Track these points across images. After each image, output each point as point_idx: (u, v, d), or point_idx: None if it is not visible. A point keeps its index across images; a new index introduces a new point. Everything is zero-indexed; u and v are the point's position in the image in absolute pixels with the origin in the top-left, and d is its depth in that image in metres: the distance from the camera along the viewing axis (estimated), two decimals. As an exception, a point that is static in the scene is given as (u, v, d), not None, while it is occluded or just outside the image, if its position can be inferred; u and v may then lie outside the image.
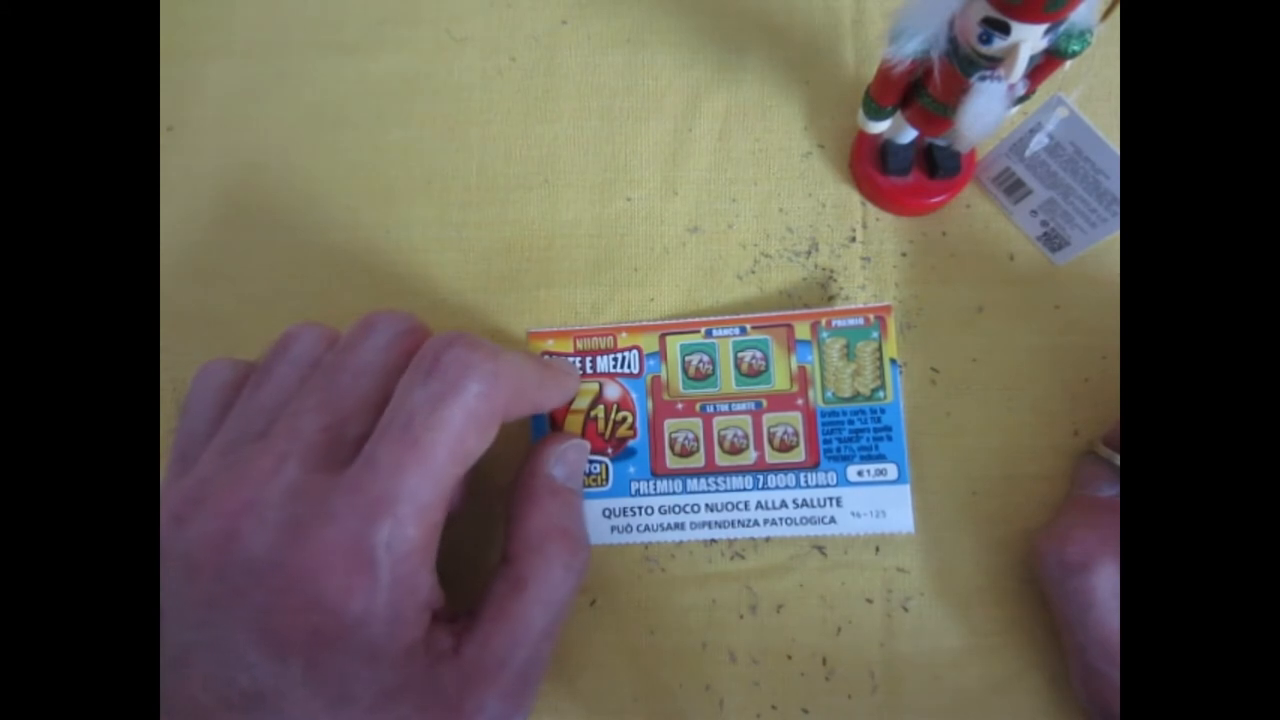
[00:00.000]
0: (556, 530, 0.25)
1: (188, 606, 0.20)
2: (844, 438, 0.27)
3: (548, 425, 0.28)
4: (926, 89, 0.25)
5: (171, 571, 0.21)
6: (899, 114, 0.27)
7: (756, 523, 0.27)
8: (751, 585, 0.28)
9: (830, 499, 0.27)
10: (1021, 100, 0.24)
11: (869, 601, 0.28)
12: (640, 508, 0.27)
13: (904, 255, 0.30)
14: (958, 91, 0.23)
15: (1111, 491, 0.26)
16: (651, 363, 0.28)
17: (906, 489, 0.27)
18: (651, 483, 0.27)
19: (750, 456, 0.27)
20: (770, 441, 0.27)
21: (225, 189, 0.33)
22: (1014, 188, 0.29)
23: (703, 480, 0.27)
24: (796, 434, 0.27)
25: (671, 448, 0.28)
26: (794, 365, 0.28)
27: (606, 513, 0.27)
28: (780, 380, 0.28)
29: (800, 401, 0.27)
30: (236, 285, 0.31)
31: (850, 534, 0.27)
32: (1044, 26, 0.20)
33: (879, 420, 0.27)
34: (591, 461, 0.28)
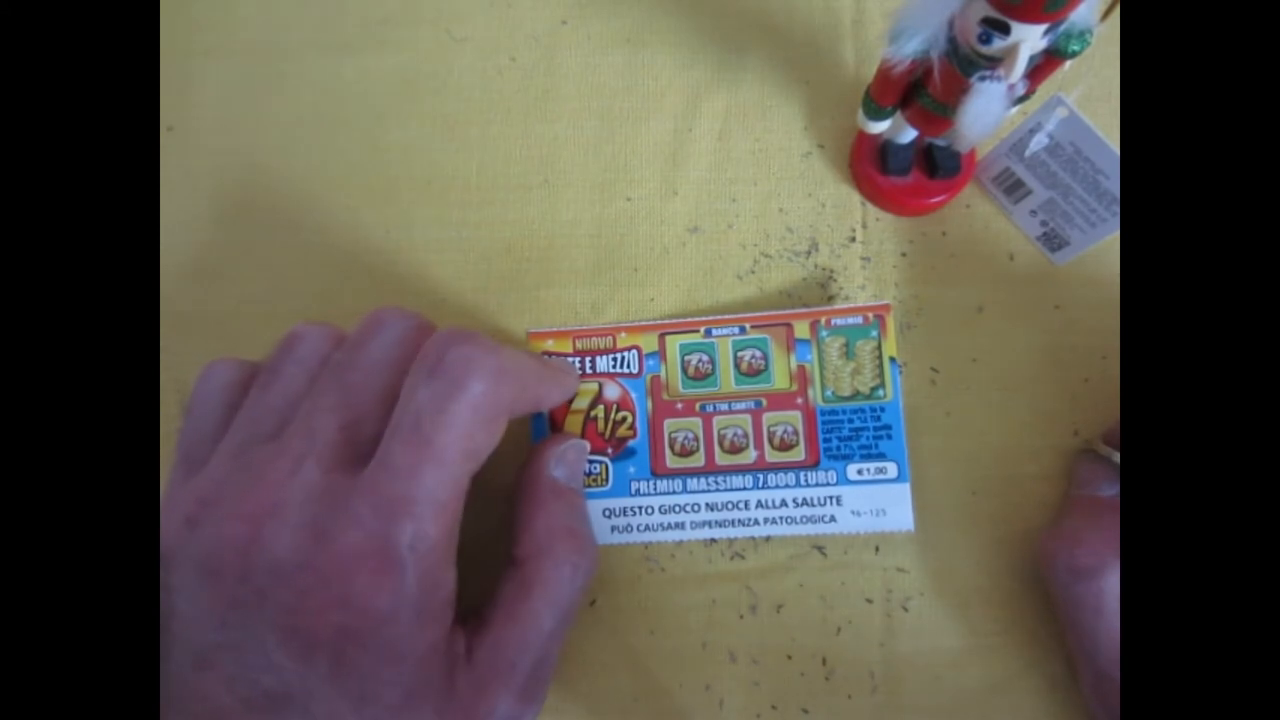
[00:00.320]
0: (563, 531, 0.25)
1: (206, 609, 0.20)
2: (844, 436, 0.27)
3: (547, 426, 0.28)
4: (926, 89, 0.25)
5: (187, 575, 0.21)
6: (899, 114, 0.27)
7: (756, 522, 0.27)
8: (751, 585, 0.28)
9: (830, 498, 0.27)
10: (1021, 100, 0.24)
11: (869, 601, 0.28)
12: (640, 507, 0.27)
13: (904, 255, 0.30)
14: (957, 91, 0.23)
15: (1113, 491, 0.26)
16: (651, 362, 0.28)
17: (906, 487, 0.27)
18: (651, 482, 0.27)
19: (750, 456, 0.27)
20: (770, 441, 0.27)
21: (225, 189, 0.33)
22: (1014, 188, 0.29)
23: (703, 480, 0.27)
24: (796, 433, 0.27)
25: (671, 447, 0.28)
26: (793, 364, 0.28)
27: (606, 513, 0.27)
28: (780, 379, 0.28)
29: (800, 400, 0.27)
30: (236, 285, 0.31)
31: (850, 533, 0.27)
32: (1044, 26, 0.20)
33: (878, 419, 0.27)
34: (591, 461, 0.28)
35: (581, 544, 0.25)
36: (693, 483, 0.27)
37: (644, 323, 0.29)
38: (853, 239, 0.31)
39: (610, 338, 0.28)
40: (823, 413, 0.27)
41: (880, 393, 0.27)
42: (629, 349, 0.28)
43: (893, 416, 0.27)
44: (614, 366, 0.28)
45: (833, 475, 0.27)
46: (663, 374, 0.28)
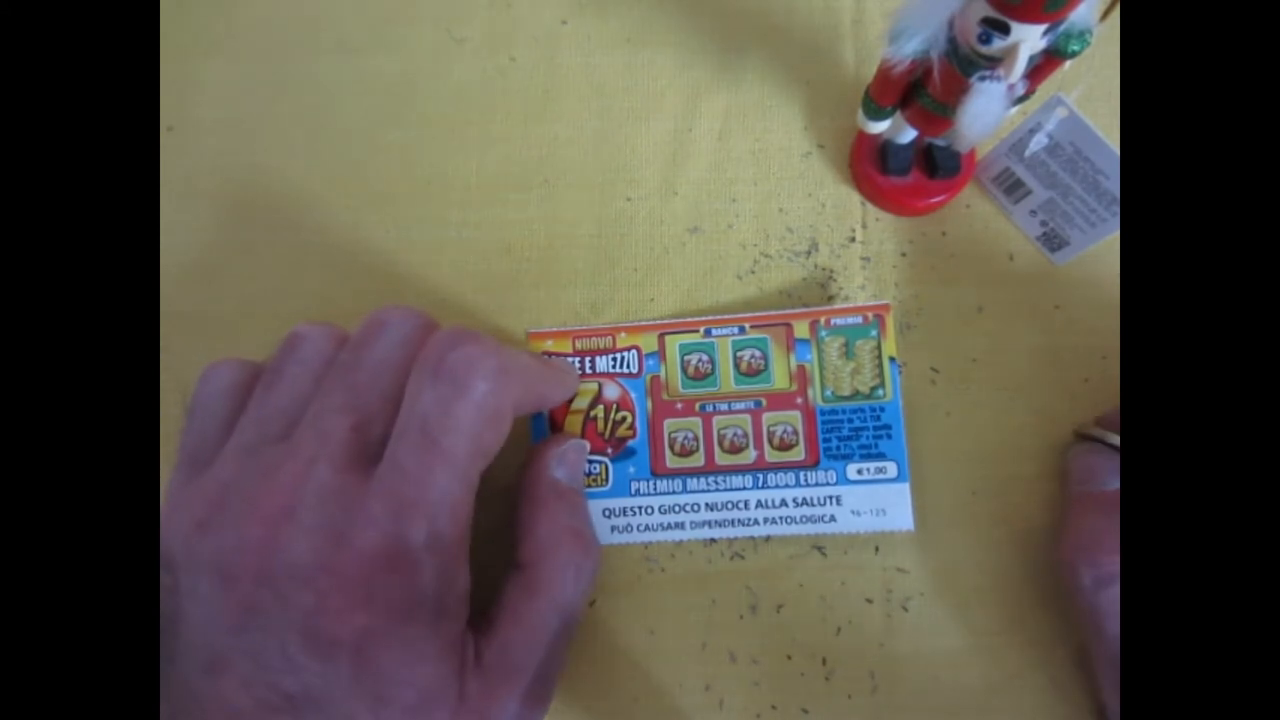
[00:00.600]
0: (567, 532, 0.25)
1: (221, 613, 0.20)
2: (843, 436, 0.27)
3: (547, 426, 0.28)
4: (926, 89, 0.25)
5: (200, 578, 0.21)
6: (899, 114, 0.27)
7: (756, 521, 0.27)
8: (751, 585, 0.28)
9: (830, 497, 0.27)
10: (1021, 100, 0.24)
11: (869, 601, 0.28)
12: (640, 507, 0.27)
13: (904, 255, 0.30)
14: (957, 91, 0.23)
15: (1116, 483, 0.26)
16: (650, 362, 0.28)
17: (906, 486, 0.27)
18: (651, 482, 0.27)
19: (750, 455, 0.27)
20: (770, 440, 0.27)
21: (225, 189, 0.33)
22: (1014, 188, 0.29)
23: (702, 480, 0.27)
24: (796, 433, 0.27)
25: (671, 447, 0.28)
26: (793, 364, 0.28)
27: (606, 513, 0.27)
28: (779, 379, 0.28)
29: (800, 400, 0.27)
30: (236, 285, 0.31)
31: (850, 532, 0.27)
32: (1043, 26, 0.20)
33: (878, 418, 0.27)
34: (591, 461, 0.28)
35: (585, 545, 0.25)
36: (692, 483, 0.27)
37: (644, 323, 0.29)
38: (853, 239, 0.31)
39: (610, 338, 0.28)
40: (822, 412, 0.27)
41: (880, 392, 0.27)
42: (628, 349, 0.28)
43: (892, 416, 0.27)
44: (613, 366, 0.28)
45: (832, 475, 0.27)
46: (662, 374, 0.28)
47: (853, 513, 0.27)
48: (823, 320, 0.28)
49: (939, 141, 0.29)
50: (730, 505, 0.27)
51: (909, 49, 0.22)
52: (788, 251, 0.31)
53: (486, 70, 0.33)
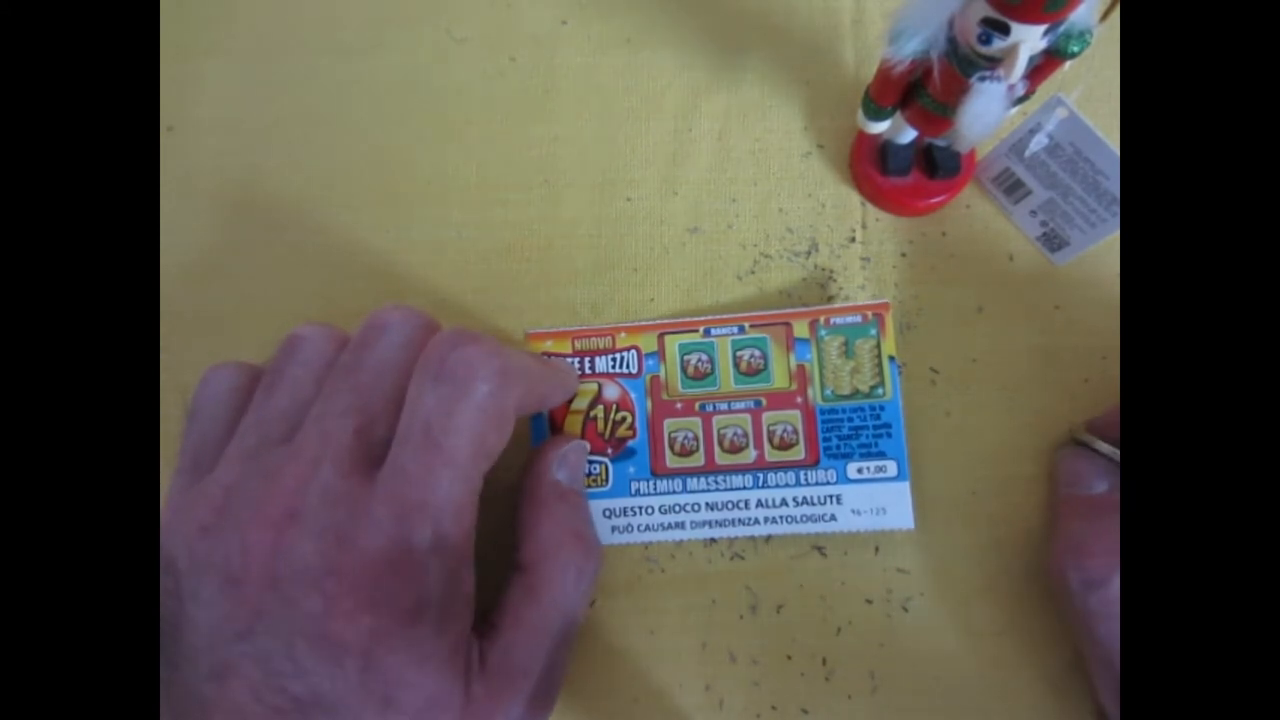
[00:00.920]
0: (569, 534, 0.25)
1: (227, 617, 0.20)
2: (843, 435, 0.27)
3: (547, 427, 0.28)
4: (926, 89, 0.25)
5: (205, 583, 0.21)
6: (899, 114, 0.27)
7: (757, 521, 0.27)
8: (751, 585, 0.28)
9: (830, 496, 0.27)
10: (1021, 100, 0.24)
11: (869, 602, 0.28)
12: (640, 507, 0.27)
13: (904, 255, 0.30)
14: (957, 92, 0.23)
15: (1104, 487, 0.26)
16: (650, 362, 0.28)
17: (906, 485, 0.27)
18: (651, 482, 0.27)
19: (750, 455, 0.27)
20: (770, 440, 0.27)
21: (225, 189, 0.33)
22: (1014, 188, 0.29)
23: (702, 479, 0.27)
24: (796, 432, 0.27)
25: (671, 447, 0.28)
26: (793, 363, 0.28)
27: (607, 513, 0.27)
28: (779, 379, 0.28)
29: (799, 400, 0.27)
30: (236, 285, 0.31)
31: (850, 531, 0.27)
32: (1043, 27, 0.20)
33: (878, 417, 0.27)
34: (591, 462, 0.28)
35: (586, 546, 0.25)
36: (692, 482, 0.27)
37: (643, 323, 0.29)
38: (852, 239, 0.31)
39: (609, 338, 0.28)
40: (822, 412, 0.27)
41: (880, 391, 0.27)
42: (628, 349, 0.28)
43: (892, 415, 0.27)
44: (613, 367, 0.28)
45: (832, 474, 0.27)
46: (662, 374, 0.28)
47: (853, 512, 0.27)
48: (822, 319, 0.28)
49: (939, 142, 0.29)
50: (730, 505, 0.27)
51: (909, 49, 0.22)
52: (787, 251, 0.31)
53: (486, 70, 0.33)
